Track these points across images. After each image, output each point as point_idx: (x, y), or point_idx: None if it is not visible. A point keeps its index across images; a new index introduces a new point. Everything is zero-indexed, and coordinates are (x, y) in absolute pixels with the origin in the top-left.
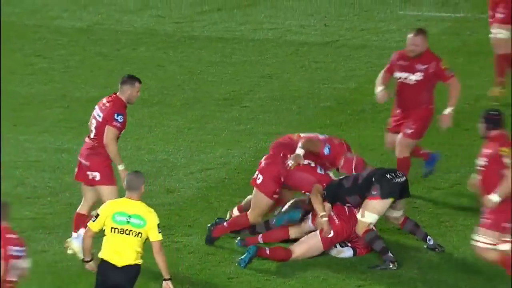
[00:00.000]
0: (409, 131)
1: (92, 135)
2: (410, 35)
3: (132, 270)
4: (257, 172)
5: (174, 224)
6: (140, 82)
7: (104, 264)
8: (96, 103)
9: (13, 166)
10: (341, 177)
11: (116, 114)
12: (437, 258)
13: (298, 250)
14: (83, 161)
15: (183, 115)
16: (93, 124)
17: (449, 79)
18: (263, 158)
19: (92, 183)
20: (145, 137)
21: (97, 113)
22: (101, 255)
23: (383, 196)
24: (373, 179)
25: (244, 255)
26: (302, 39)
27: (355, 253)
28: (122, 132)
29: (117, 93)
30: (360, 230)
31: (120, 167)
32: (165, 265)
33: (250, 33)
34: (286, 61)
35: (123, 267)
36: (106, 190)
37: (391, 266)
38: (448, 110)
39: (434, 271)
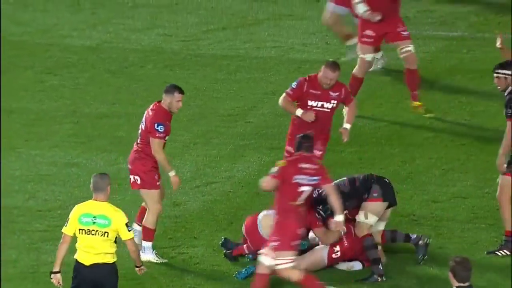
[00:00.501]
0: (319, 153)
1: (138, 141)
2: (327, 70)
3: (102, 269)
4: None
5: (180, 236)
6: (180, 92)
7: (77, 264)
8: (104, 118)
9: (25, 180)
10: (336, 182)
11: (156, 125)
12: (435, 270)
13: (303, 263)
14: (129, 165)
15: (189, 130)
16: (139, 130)
17: (351, 102)
18: None
19: (134, 186)
20: None
21: (142, 121)
22: (75, 256)
23: (384, 198)
24: (372, 180)
25: (245, 271)
26: (304, 57)
27: (363, 266)
28: (167, 138)
29: (161, 102)
30: (362, 232)
31: (171, 174)
32: (137, 258)
33: (254, 51)
34: (288, 78)
35: (92, 265)
36: (146, 194)
37: (378, 280)
38: (348, 126)
39: (432, 282)
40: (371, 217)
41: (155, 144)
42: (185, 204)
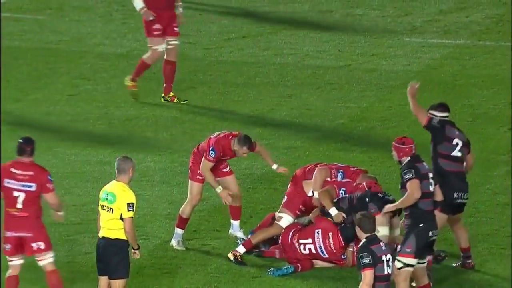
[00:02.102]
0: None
1: (198, 146)
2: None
3: (104, 242)
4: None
5: (204, 228)
6: (250, 148)
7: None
8: (134, 120)
9: (61, 177)
10: (335, 200)
11: (211, 149)
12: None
13: (320, 263)
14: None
15: (212, 131)
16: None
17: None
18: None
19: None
20: (178, 151)
21: (210, 136)
22: None
23: (382, 210)
24: (367, 199)
25: (281, 270)
26: (318, 63)
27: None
28: (218, 160)
29: (236, 136)
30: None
31: (218, 190)
32: (133, 240)
33: (272, 58)
34: (304, 82)
35: (101, 238)
36: (189, 184)
37: None
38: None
39: (435, 272)
40: (382, 229)
41: (204, 164)
42: (208, 199)
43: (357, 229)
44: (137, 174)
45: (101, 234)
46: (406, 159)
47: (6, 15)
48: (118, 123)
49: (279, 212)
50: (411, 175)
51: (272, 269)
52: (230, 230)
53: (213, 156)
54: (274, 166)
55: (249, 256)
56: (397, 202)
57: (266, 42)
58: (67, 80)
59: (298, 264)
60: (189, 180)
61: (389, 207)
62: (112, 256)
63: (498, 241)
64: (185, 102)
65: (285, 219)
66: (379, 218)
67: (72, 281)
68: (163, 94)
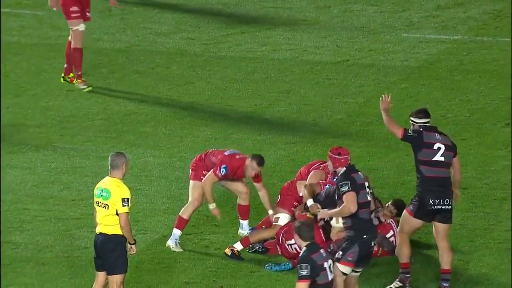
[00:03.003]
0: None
1: (208, 152)
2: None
3: (105, 239)
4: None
5: (202, 223)
6: (259, 164)
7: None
8: (133, 115)
9: (60, 172)
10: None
11: (223, 166)
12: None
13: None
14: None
15: (211, 126)
16: (214, 150)
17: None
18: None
19: (190, 177)
20: (176, 146)
21: (222, 151)
22: None
23: None
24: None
25: (279, 265)
26: (316, 59)
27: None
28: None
29: (248, 159)
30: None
31: (211, 207)
32: (129, 235)
33: (270, 53)
34: (302, 78)
35: (98, 234)
36: (191, 185)
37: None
38: (271, 211)
39: (434, 265)
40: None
41: (210, 177)
42: None
43: (296, 236)
44: (135, 169)
45: (98, 230)
46: (342, 170)
47: (6, 10)
48: (117, 118)
49: (274, 214)
50: (347, 187)
51: (270, 264)
52: (240, 230)
53: (223, 174)
54: (270, 212)
55: (246, 251)
56: (333, 211)
57: (264, 37)
58: None
59: (295, 261)
60: (191, 181)
61: (324, 212)
62: (110, 252)
63: (495, 236)
64: (89, 88)
65: (283, 218)
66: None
67: (71, 276)
68: (63, 74)
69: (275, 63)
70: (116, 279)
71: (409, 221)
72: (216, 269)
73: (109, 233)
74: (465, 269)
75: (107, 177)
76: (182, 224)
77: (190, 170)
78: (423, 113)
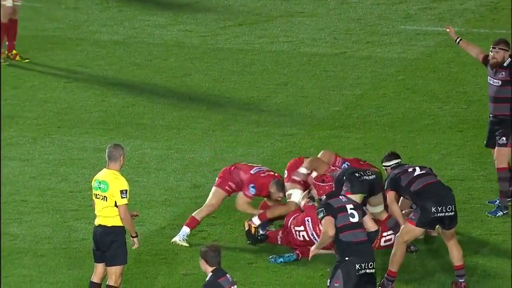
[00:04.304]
0: None
1: (238, 166)
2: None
3: (100, 230)
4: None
5: None
6: (280, 190)
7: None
8: (130, 107)
9: (58, 164)
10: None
11: (251, 186)
12: (435, 246)
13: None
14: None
15: (208, 118)
16: (243, 169)
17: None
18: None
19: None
20: (174, 137)
21: (249, 167)
22: None
23: (353, 191)
24: (344, 177)
25: (283, 257)
26: (314, 51)
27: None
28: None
29: (275, 178)
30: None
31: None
32: (130, 227)
33: (267, 45)
34: (299, 70)
35: (97, 226)
36: (213, 191)
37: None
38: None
39: (431, 259)
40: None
41: (243, 199)
42: (204, 186)
43: (202, 262)
44: (133, 160)
45: (97, 222)
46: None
47: (3, 3)
48: (114, 110)
49: (286, 190)
50: (322, 214)
51: (274, 256)
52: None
53: (253, 193)
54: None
55: (244, 242)
56: (317, 243)
57: (261, 29)
58: (64, 67)
59: (298, 251)
60: (214, 187)
61: (312, 250)
62: (109, 243)
63: (491, 227)
64: (27, 60)
65: (295, 194)
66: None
67: (69, 267)
68: (6, 52)
69: (272, 55)
70: (115, 270)
71: (410, 230)
72: None
73: (108, 225)
74: (465, 261)
75: (105, 169)
76: (193, 223)
77: (217, 177)
78: (391, 155)
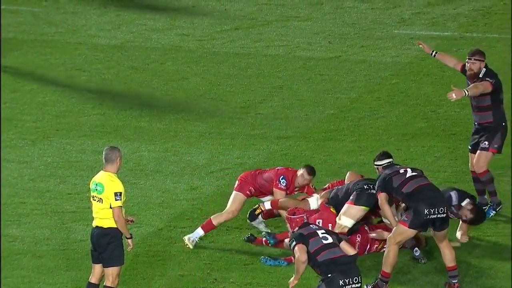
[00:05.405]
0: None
1: (255, 172)
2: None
3: (97, 231)
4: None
5: (196, 217)
6: (310, 173)
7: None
8: (128, 110)
9: (56, 166)
10: (334, 190)
11: (281, 177)
12: (429, 245)
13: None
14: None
15: (205, 121)
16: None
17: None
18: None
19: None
20: (171, 140)
21: (273, 168)
22: None
23: (356, 202)
24: (355, 187)
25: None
26: (309, 55)
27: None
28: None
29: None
30: (339, 229)
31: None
32: (123, 229)
33: (263, 49)
34: (295, 74)
35: (94, 228)
36: (233, 196)
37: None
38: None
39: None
40: (344, 219)
41: (278, 194)
42: (201, 188)
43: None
44: (131, 163)
45: (94, 223)
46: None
47: (2, 7)
48: (112, 113)
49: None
50: (294, 242)
51: (265, 257)
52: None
53: (284, 184)
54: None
55: (240, 243)
56: (294, 274)
57: (257, 34)
58: (62, 71)
59: (288, 259)
60: (234, 191)
61: (292, 281)
62: (106, 245)
63: (484, 229)
64: None
65: (312, 199)
66: (350, 207)
67: (67, 268)
68: None
69: (268, 59)
70: (112, 271)
71: (403, 232)
72: (210, 262)
73: (105, 227)
74: (460, 254)
75: (102, 171)
76: (208, 227)
77: (237, 180)
78: (384, 155)
